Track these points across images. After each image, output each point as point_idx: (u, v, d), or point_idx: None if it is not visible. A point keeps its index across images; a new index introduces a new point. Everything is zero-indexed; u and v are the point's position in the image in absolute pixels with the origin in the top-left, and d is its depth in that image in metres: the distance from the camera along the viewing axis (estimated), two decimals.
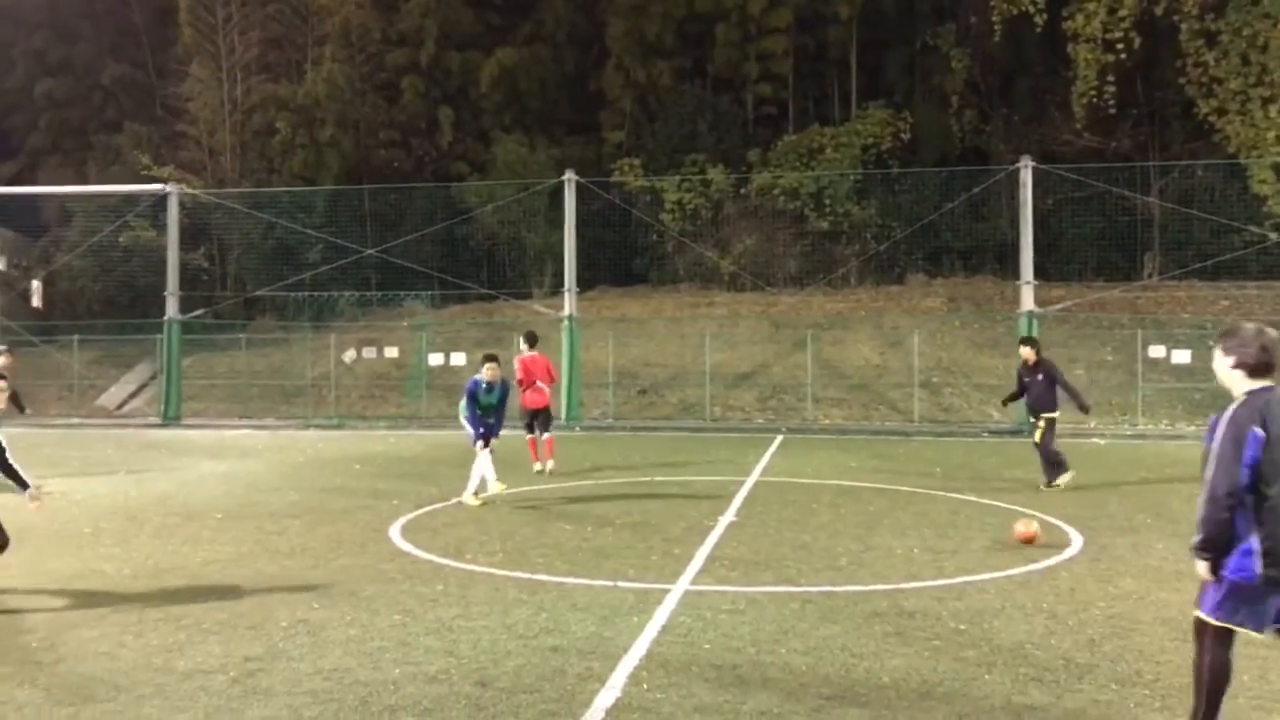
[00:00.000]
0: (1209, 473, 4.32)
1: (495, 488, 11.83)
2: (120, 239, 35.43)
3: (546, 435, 15.15)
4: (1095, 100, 31.76)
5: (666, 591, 7.37)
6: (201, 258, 37.33)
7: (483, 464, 11.87)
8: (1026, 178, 25.47)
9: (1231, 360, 4.47)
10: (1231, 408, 4.39)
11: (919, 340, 27.66)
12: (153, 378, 32.42)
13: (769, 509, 11.51)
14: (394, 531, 10.00)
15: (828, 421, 27.03)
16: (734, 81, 41.41)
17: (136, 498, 12.64)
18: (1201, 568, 4.39)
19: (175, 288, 29.36)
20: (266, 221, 34.27)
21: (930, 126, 38.49)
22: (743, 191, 36.49)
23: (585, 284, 30.46)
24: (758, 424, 26.93)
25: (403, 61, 42.00)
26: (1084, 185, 29.70)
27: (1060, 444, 13.61)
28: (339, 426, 26.95)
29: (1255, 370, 4.42)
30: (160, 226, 32.40)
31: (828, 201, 35.61)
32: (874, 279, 35.30)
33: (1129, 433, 23.87)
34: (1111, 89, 31.60)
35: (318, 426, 26.93)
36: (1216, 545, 4.31)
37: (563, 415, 25.94)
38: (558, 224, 29.35)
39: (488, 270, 36.52)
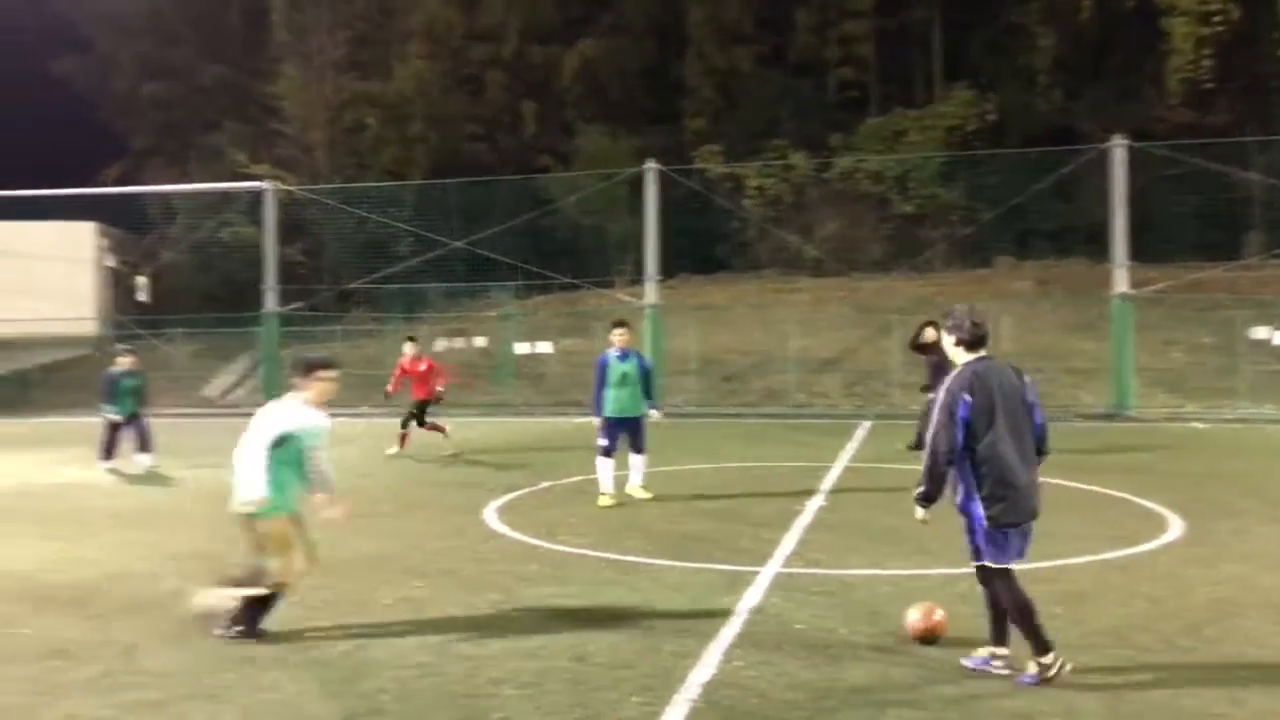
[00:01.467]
0: (929, 434, 5.05)
1: (602, 499, 10.81)
2: (221, 235, 36.64)
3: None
4: (1191, 75, 30.66)
5: (757, 574, 7.48)
6: (297, 252, 38.34)
7: (601, 468, 10.92)
8: (1119, 156, 24.79)
9: (953, 339, 5.21)
10: (948, 378, 5.11)
11: (1007, 324, 27.12)
12: (253, 369, 33.49)
13: (857, 494, 11.53)
14: (488, 514, 10.29)
15: (915, 408, 26.67)
16: (815, 65, 41.01)
17: None
18: (919, 514, 5.21)
19: (273, 282, 30.24)
20: (358, 216, 35.10)
21: (1016, 106, 37.59)
22: (825, 176, 36.16)
23: (668, 272, 30.52)
24: (843, 410, 26.75)
25: (486, 56, 42.58)
26: (1179, 162, 28.72)
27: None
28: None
29: (971, 344, 5.17)
30: (258, 223, 33.42)
31: (912, 184, 35.10)
32: (960, 262, 34.68)
33: (1230, 417, 23.11)
34: (1208, 62, 30.48)
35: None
36: (934, 497, 5.11)
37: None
38: (639, 213, 29.51)
39: (571, 260, 36.86)
